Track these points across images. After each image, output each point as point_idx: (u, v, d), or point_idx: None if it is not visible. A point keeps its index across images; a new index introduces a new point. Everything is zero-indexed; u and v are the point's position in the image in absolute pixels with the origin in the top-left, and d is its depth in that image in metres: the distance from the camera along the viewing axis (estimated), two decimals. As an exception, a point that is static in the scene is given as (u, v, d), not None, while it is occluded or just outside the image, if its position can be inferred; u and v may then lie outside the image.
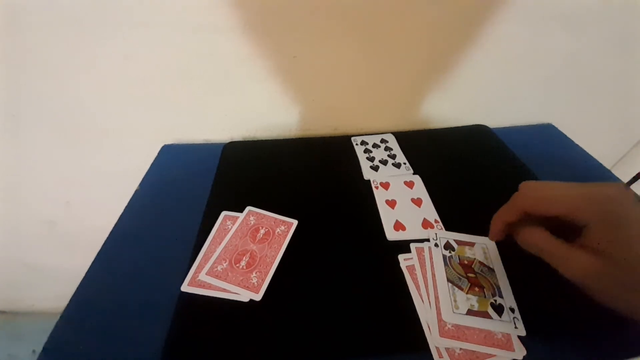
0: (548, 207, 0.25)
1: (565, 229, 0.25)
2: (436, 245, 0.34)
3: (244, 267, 0.33)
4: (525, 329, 0.27)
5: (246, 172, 0.45)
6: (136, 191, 0.44)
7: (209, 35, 0.41)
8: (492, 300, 0.29)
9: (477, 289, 0.30)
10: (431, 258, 0.33)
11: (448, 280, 0.31)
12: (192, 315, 0.30)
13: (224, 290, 0.31)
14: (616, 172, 0.46)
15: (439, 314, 0.28)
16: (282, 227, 0.37)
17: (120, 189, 0.42)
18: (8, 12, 0.38)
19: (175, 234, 0.37)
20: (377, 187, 0.42)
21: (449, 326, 0.28)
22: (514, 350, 0.26)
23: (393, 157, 0.47)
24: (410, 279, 0.31)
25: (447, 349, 0.27)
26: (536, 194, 0.26)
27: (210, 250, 0.34)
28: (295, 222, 0.37)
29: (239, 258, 0.33)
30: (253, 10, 0.39)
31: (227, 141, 0.51)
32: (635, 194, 0.24)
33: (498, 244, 0.34)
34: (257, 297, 0.30)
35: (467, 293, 0.30)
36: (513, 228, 0.28)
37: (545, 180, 0.41)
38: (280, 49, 0.43)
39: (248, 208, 0.39)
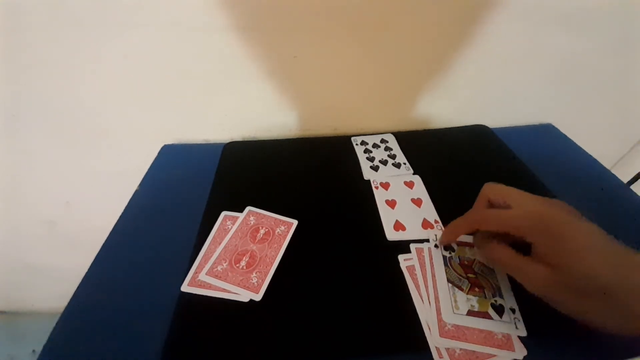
0: (495, 226, 0.28)
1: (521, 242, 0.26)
2: (436, 245, 0.34)
3: (244, 267, 0.33)
4: (526, 330, 0.27)
5: (246, 172, 0.45)
6: (136, 191, 0.44)
7: (209, 35, 0.41)
8: (492, 301, 0.29)
9: (477, 289, 0.30)
10: (431, 258, 0.33)
11: (448, 280, 0.31)
12: (192, 315, 0.30)
13: (224, 290, 0.31)
14: (616, 172, 0.46)
15: (439, 314, 0.28)
16: (282, 227, 0.37)
17: (120, 189, 0.42)
18: (8, 11, 0.38)
19: (175, 234, 0.37)
20: (377, 187, 0.42)
21: (449, 326, 0.28)
22: (514, 351, 0.26)
23: (393, 157, 0.47)
24: (410, 279, 0.31)
25: (447, 349, 0.27)
26: (487, 213, 0.29)
27: (210, 250, 0.34)
28: (295, 222, 0.37)
29: (239, 258, 0.33)
30: (253, 10, 0.39)
31: (227, 141, 0.51)
32: (576, 211, 0.26)
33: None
34: (257, 297, 0.30)
35: (467, 293, 0.30)
36: (474, 242, 0.31)
37: (544, 179, 0.42)
38: (280, 49, 0.43)
39: (248, 208, 0.39)
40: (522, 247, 0.26)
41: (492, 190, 0.30)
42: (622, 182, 0.45)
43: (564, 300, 0.24)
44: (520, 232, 0.26)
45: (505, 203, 0.28)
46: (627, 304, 0.22)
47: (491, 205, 0.30)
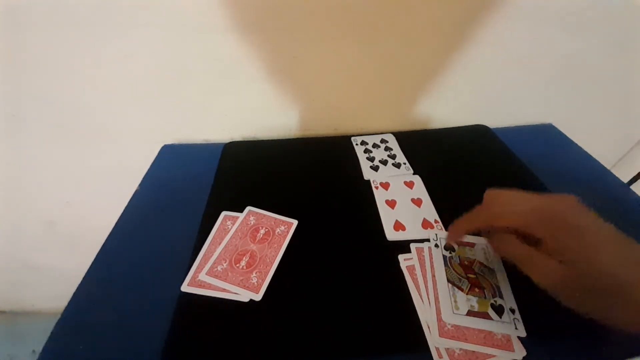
0: (505, 223, 0.27)
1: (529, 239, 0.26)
2: (436, 245, 0.34)
3: (244, 267, 0.33)
4: (526, 330, 0.27)
5: (246, 172, 0.45)
6: (136, 191, 0.44)
7: (210, 35, 0.41)
8: (492, 301, 0.29)
9: (477, 289, 0.30)
10: (431, 258, 0.33)
11: (448, 280, 0.31)
12: (192, 315, 0.30)
13: (224, 290, 0.31)
14: (616, 172, 0.46)
15: (438, 314, 0.28)
16: (282, 227, 0.37)
17: (120, 189, 0.42)
18: (8, 11, 0.38)
19: (175, 234, 0.37)
20: (377, 187, 0.42)
21: (449, 326, 0.28)
22: (513, 351, 0.26)
23: (393, 157, 0.47)
24: (410, 279, 0.31)
25: (446, 349, 0.27)
26: (494, 210, 0.28)
27: (210, 250, 0.34)
28: (295, 222, 0.37)
29: (239, 258, 0.33)
30: (253, 10, 0.39)
31: (227, 141, 0.51)
32: (586, 207, 0.25)
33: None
34: (257, 297, 0.30)
35: (467, 294, 0.30)
36: (484, 236, 0.30)
37: (544, 179, 0.42)
38: (280, 49, 0.43)
39: (248, 208, 0.39)
40: (530, 244, 0.26)
41: (489, 196, 0.29)
42: (622, 182, 0.45)
43: (575, 295, 0.24)
44: (530, 227, 0.25)
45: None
46: None
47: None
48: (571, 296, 0.24)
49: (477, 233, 0.33)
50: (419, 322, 0.28)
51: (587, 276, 0.23)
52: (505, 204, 0.28)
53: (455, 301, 0.29)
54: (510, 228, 0.27)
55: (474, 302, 0.29)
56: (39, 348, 0.28)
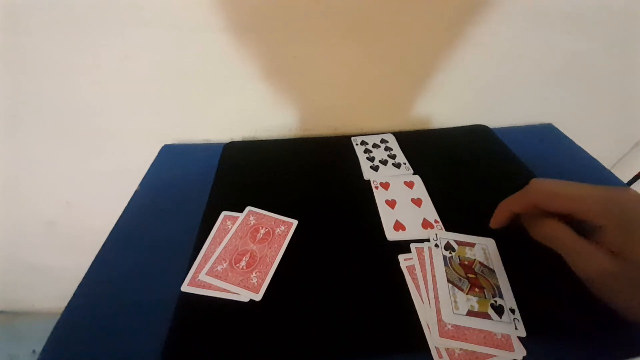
0: (562, 204, 0.25)
1: (572, 223, 0.25)
2: (436, 245, 0.34)
3: (244, 267, 0.33)
4: (526, 330, 0.27)
5: (246, 172, 0.45)
6: (136, 191, 0.44)
7: (209, 35, 0.41)
8: (492, 301, 0.29)
9: (477, 289, 0.30)
10: (431, 258, 0.33)
11: (448, 280, 0.31)
12: (192, 315, 0.30)
13: (224, 290, 0.31)
14: (616, 172, 0.46)
15: (438, 314, 0.28)
16: (282, 227, 0.37)
17: (120, 189, 0.42)
18: (8, 11, 0.38)
19: (175, 233, 0.37)
20: (377, 187, 0.42)
21: (449, 326, 0.28)
22: (513, 351, 0.26)
23: (393, 157, 0.47)
24: (410, 279, 0.31)
25: (446, 349, 0.27)
26: (550, 188, 0.26)
27: (210, 250, 0.34)
28: (295, 222, 0.37)
29: (239, 258, 0.33)
30: (253, 10, 0.39)
31: (227, 141, 0.51)
32: None
33: (499, 244, 0.34)
34: (257, 297, 0.30)
35: (467, 294, 0.30)
36: (523, 219, 0.28)
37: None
38: (280, 49, 0.43)
39: (248, 208, 0.39)
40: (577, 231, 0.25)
41: (539, 181, 0.27)
42: (622, 182, 0.45)
43: (623, 292, 0.23)
44: (590, 213, 0.24)
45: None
46: None
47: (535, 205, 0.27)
48: (619, 292, 0.23)
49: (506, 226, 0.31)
50: (419, 322, 0.28)
51: None
52: (558, 186, 0.26)
53: (455, 301, 0.29)
54: (563, 212, 0.25)
55: (474, 302, 0.29)
56: (39, 348, 0.28)
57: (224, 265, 0.33)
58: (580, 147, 0.51)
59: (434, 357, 0.26)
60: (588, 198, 0.24)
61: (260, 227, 0.37)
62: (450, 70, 0.47)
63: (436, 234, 0.35)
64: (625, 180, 0.64)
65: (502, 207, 0.30)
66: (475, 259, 0.33)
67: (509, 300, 0.29)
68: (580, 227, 0.25)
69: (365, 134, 0.52)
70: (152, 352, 0.27)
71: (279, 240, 0.35)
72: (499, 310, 0.29)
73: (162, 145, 0.52)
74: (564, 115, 0.56)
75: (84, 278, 0.34)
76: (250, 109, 0.50)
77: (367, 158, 0.47)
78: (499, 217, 0.30)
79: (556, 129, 0.55)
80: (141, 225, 0.39)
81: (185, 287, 0.31)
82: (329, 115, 0.52)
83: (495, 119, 0.54)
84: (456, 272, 0.32)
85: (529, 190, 0.27)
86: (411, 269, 0.32)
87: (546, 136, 0.54)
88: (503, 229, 0.31)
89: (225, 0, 0.38)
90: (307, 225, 0.37)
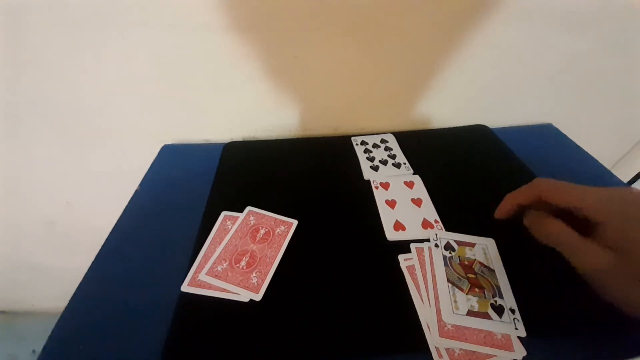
0: (566, 198, 0.26)
1: (573, 223, 0.25)
2: (436, 245, 0.34)
3: (244, 267, 0.33)
4: (526, 330, 0.27)
5: (246, 172, 0.45)
6: (136, 191, 0.44)
7: (209, 35, 0.41)
8: (492, 301, 0.29)
9: (477, 289, 0.30)
10: (431, 258, 0.33)
11: (448, 280, 0.31)
12: (192, 315, 0.30)
13: (224, 290, 0.31)
14: (616, 172, 0.46)
15: (438, 314, 0.28)
16: (282, 227, 0.37)
17: (120, 189, 0.42)
18: (8, 11, 0.38)
19: (175, 233, 0.37)
20: (377, 187, 0.42)
21: (449, 326, 0.28)
22: (513, 351, 0.26)
23: (393, 157, 0.47)
24: (410, 279, 0.31)
25: (446, 349, 0.27)
26: (556, 183, 0.27)
27: (210, 250, 0.34)
28: (295, 222, 0.37)
29: (239, 258, 0.33)
30: (253, 10, 0.39)
31: (227, 141, 0.51)
32: None
33: (499, 244, 0.34)
34: (257, 297, 0.30)
35: (467, 294, 0.30)
36: (526, 219, 0.29)
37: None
38: (280, 49, 0.43)
39: (248, 208, 0.39)
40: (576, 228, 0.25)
41: (543, 180, 0.28)
42: (622, 182, 0.45)
43: (622, 287, 0.23)
44: (591, 209, 0.24)
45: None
46: None
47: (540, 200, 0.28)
48: (618, 287, 0.23)
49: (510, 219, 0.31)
50: (419, 322, 0.28)
51: None
52: (562, 183, 0.27)
53: (455, 301, 0.29)
54: (566, 206, 0.26)
55: (474, 302, 0.29)
56: (39, 348, 0.29)
57: (224, 265, 0.33)
58: (580, 147, 0.51)
59: (434, 357, 0.26)
60: (590, 195, 0.25)
61: (260, 227, 0.37)
62: (450, 70, 0.47)
63: (436, 234, 0.35)
64: (625, 180, 0.64)
65: (508, 198, 0.30)
66: (475, 259, 0.33)
67: (509, 300, 0.29)
68: (581, 225, 0.25)
69: (365, 134, 0.52)
70: (152, 352, 0.27)
71: (279, 240, 0.35)
72: (499, 310, 0.29)
73: (162, 145, 0.52)
74: (564, 115, 0.56)
75: (84, 278, 0.34)
76: (250, 109, 0.50)
77: (367, 158, 0.47)
78: (505, 208, 0.31)
79: (556, 129, 0.55)
80: (141, 225, 0.39)
81: (185, 287, 0.31)
82: (329, 115, 0.52)
83: (495, 119, 0.54)
84: (456, 272, 0.32)
85: (536, 182, 0.28)
86: (411, 269, 0.32)
87: (546, 136, 0.54)
88: (506, 221, 0.31)
89: (225, 0, 0.38)
90: (307, 225, 0.37)
